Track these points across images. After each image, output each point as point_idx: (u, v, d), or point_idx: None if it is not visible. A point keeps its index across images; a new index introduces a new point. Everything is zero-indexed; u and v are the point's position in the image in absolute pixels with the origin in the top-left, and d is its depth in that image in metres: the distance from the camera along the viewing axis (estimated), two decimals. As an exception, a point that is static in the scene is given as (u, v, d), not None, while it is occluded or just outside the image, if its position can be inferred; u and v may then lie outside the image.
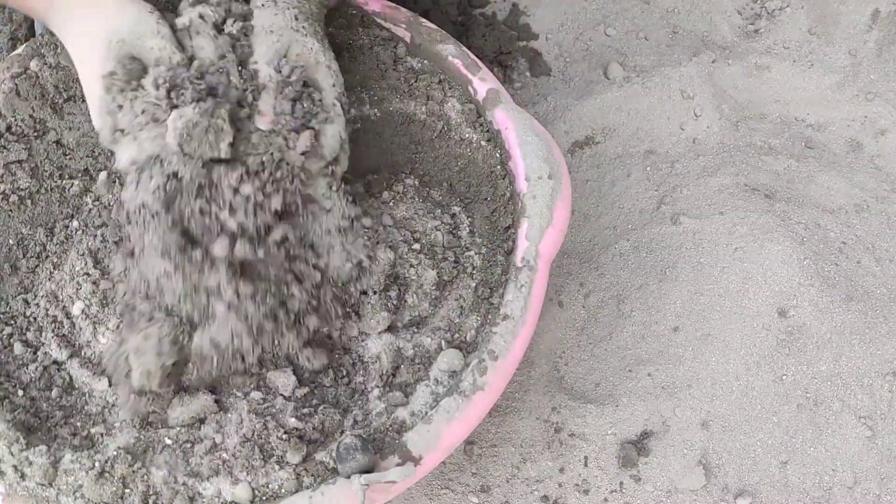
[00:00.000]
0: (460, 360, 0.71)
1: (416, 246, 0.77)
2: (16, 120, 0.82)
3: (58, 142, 0.82)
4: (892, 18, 1.15)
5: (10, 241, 0.79)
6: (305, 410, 0.70)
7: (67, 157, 0.82)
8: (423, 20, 0.87)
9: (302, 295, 0.69)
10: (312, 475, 0.66)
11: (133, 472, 0.66)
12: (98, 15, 0.69)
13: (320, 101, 0.69)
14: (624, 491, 0.83)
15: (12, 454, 0.66)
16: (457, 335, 0.74)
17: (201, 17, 0.70)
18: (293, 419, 0.69)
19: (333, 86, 0.71)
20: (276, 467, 0.66)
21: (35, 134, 0.82)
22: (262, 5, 0.71)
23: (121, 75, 0.67)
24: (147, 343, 0.65)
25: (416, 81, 0.83)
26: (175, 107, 0.65)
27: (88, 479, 0.66)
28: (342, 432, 0.69)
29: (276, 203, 0.66)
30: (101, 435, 0.69)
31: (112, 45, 0.67)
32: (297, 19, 0.71)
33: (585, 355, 0.91)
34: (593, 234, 0.99)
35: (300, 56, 0.70)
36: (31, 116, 0.82)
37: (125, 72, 0.67)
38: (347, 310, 0.73)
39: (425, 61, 0.84)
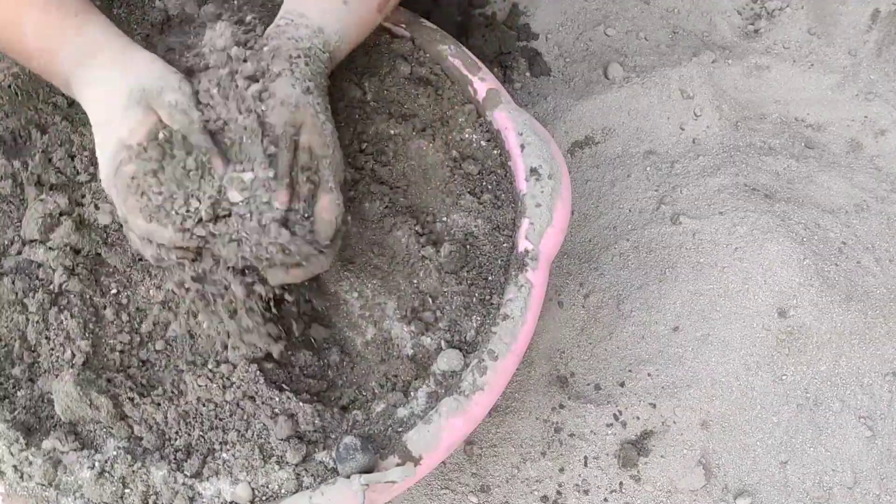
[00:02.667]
0: (460, 360, 0.71)
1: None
2: (15, 120, 0.81)
3: (60, 143, 0.82)
4: (892, 18, 1.15)
5: (7, 242, 0.79)
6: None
7: (70, 158, 0.82)
8: (424, 20, 0.87)
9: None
10: (312, 475, 0.66)
11: (133, 472, 0.66)
12: (126, 68, 0.71)
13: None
14: (624, 491, 0.83)
15: (12, 454, 0.66)
16: (457, 335, 0.74)
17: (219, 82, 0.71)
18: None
19: (335, 172, 0.71)
20: (276, 467, 0.66)
21: (36, 134, 0.82)
22: (279, 74, 0.71)
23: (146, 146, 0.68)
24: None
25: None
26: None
27: (88, 479, 0.66)
28: (342, 432, 0.69)
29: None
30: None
31: (133, 92, 0.68)
32: (310, 92, 0.71)
33: (585, 355, 0.91)
34: (593, 234, 0.99)
35: (310, 139, 0.70)
36: (30, 117, 0.82)
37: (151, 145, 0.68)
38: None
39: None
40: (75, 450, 0.67)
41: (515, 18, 1.17)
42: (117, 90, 0.69)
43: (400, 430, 0.68)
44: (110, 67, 0.71)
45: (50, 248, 0.76)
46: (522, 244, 0.74)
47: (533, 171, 0.77)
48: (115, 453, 0.67)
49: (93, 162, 0.80)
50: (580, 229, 0.99)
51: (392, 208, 0.79)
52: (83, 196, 0.79)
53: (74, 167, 0.80)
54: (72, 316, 0.73)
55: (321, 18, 0.75)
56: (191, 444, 0.68)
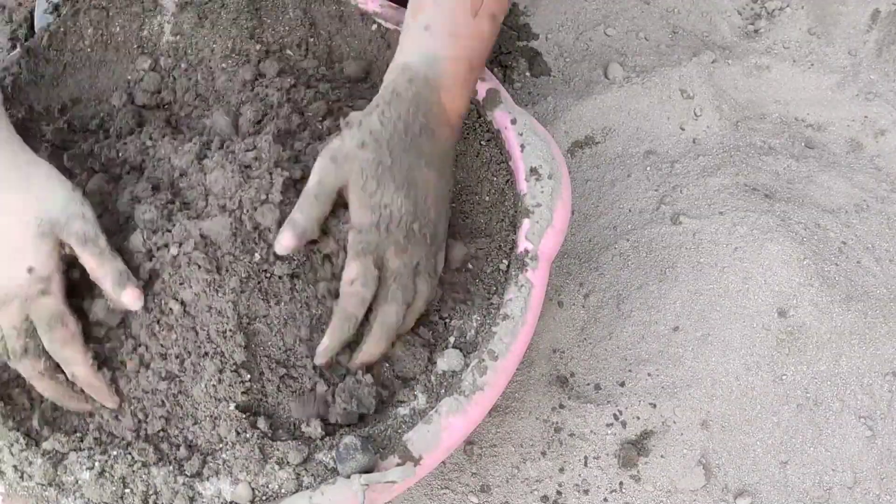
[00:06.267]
0: (460, 360, 0.71)
1: None
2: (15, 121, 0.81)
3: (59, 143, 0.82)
4: (892, 18, 1.15)
5: None
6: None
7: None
8: (423, 20, 0.87)
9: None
10: (312, 475, 0.66)
11: (133, 472, 0.66)
12: (27, 193, 0.68)
13: None
14: (624, 491, 0.83)
15: (12, 454, 0.66)
16: (457, 335, 0.74)
17: None
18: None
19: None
20: (276, 467, 0.66)
21: (35, 135, 0.82)
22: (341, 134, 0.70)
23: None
24: None
25: None
26: None
27: (88, 479, 0.66)
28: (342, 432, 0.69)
29: None
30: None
31: (43, 224, 0.66)
32: (366, 146, 0.68)
33: (585, 355, 0.91)
34: (593, 234, 0.99)
35: (350, 200, 0.69)
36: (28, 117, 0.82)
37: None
38: None
39: None
40: (75, 450, 0.67)
41: (515, 18, 1.17)
42: (24, 220, 0.66)
43: (400, 430, 0.68)
44: (7, 188, 0.67)
45: None
46: (522, 244, 0.74)
47: (533, 171, 0.77)
48: (115, 453, 0.67)
49: None
50: (580, 229, 0.99)
51: None
52: None
53: None
54: None
55: (402, 56, 0.72)
56: (191, 444, 0.68)
